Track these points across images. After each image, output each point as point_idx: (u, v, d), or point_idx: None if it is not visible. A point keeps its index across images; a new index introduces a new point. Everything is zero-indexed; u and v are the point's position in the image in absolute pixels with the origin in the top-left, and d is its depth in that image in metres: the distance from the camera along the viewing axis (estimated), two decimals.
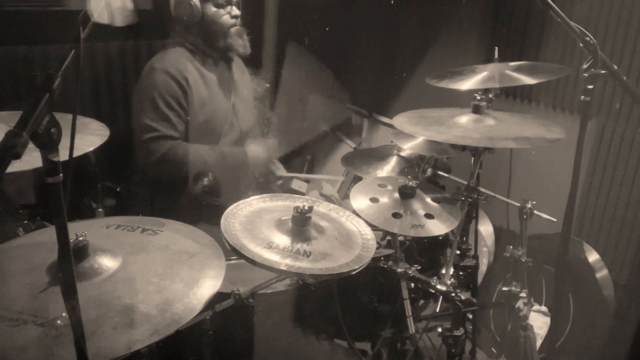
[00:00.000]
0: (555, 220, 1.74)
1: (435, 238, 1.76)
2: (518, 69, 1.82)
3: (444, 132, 1.62)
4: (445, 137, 1.60)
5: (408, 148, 2.04)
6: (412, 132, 1.67)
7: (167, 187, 2.12)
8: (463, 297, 1.49)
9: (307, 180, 2.50)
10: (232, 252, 1.20)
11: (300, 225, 1.28)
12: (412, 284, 1.60)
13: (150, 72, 2.06)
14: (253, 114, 2.33)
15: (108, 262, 1.10)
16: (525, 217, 1.75)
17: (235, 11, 2.10)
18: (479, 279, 2.13)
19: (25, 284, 1.05)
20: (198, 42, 2.12)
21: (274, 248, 1.22)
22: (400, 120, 1.73)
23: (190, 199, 2.11)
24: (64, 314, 0.94)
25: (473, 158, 1.71)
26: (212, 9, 2.07)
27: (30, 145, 0.74)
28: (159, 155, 1.99)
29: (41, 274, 1.06)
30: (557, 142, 1.56)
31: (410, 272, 1.52)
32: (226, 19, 2.08)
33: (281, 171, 2.38)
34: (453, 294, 1.49)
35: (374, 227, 1.45)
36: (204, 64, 2.14)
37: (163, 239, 1.23)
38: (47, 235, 1.26)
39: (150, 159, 2.00)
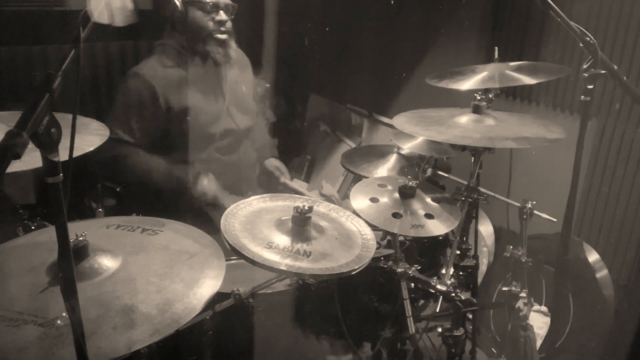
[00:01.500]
0: (555, 220, 1.74)
1: (435, 238, 1.76)
2: (518, 69, 1.82)
3: (444, 132, 1.61)
4: (445, 137, 1.60)
5: (408, 148, 2.04)
6: (412, 132, 1.67)
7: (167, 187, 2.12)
8: (463, 297, 1.49)
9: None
10: (232, 252, 1.20)
11: (300, 225, 1.29)
12: (412, 284, 1.60)
13: (128, 77, 2.06)
14: (251, 113, 2.31)
15: (108, 262, 1.10)
16: (525, 217, 1.75)
17: (222, 16, 2.05)
18: (479, 279, 2.13)
19: (25, 284, 1.05)
20: (184, 42, 2.11)
21: (274, 248, 1.22)
22: (400, 121, 1.73)
23: (191, 199, 2.11)
24: (64, 314, 0.94)
25: (473, 158, 1.71)
26: (196, 12, 2.04)
27: (30, 145, 0.74)
28: (108, 155, 1.97)
29: (41, 274, 1.06)
30: (557, 142, 1.56)
31: (410, 272, 1.52)
32: (209, 24, 2.05)
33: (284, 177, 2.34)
34: (453, 294, 1.49)
35: (374, 227, 1.45)
36: (193, 66, 2.11)
37: (163, 239, 1.23)
38: (47, 235, 1.26)
39: (100, 156, 1.98)
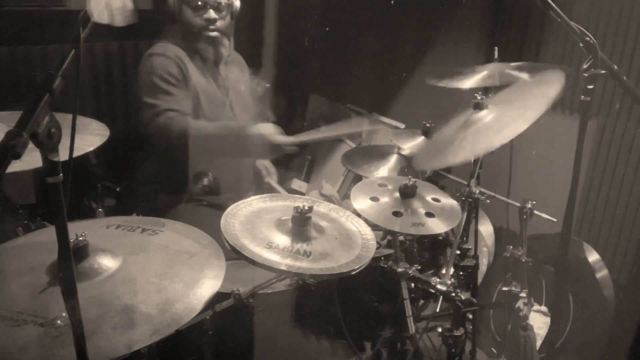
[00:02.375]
0: (555, 220, 1.74)
1: (435, 238, 1.76)
2: (518, 69, 1.82)
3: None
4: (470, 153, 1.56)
5: (408, 148, 2.04)
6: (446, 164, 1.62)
7: (167, 187, 2.12)
8: (463, 297, 1.49)
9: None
10: (232, 252, 1.20)
11: (300, 225, 1.28)
12: (412, 284, 1.60)
13: (147, 57, 2.07)
14: (251, 112, 2.33)
15: (108, 262, 1.10)
16: (525, 217, 1.75)
17: (211, 15, 2.06)
18: (479, 279, 2.13)
19: (25, 283, 1.05)
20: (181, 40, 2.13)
21: (274, 248, 1.22)
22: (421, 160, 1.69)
23: (191, 199, 2.11)
24: (64, 314, 0.94)
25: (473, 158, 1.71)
26: (187, 10, 2.06)
27: (30, 145, 0.74)
28: (165, 127, 1.93)
29: (41, 274, 1.06)
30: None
31: (410, 272, 1.52)
32: (197, 21, 2.06)
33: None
34: (453, 294, 1.49)
35: (374, 227, 1.45)
36: (201, 61, 2.14)
37: (163, 239, 1.23)
38: (47, 235, 1.26)
39: (164, 134, 1.94)
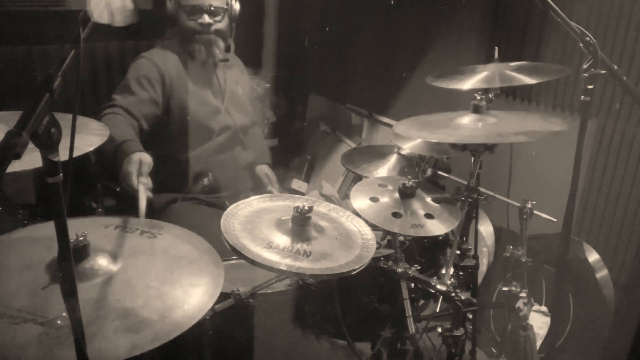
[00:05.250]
0: (555, 220, 1.74)
1: (435, 238, 1.76)
2: (518, 69, 1.81)
3: (452, 133, 1.60)
4: (455, 139, 1.59)
5: (408, 148, 2.04)
6: (420, 137, 1.64)
7: (166, 186, 2.12)
8: (463, 297, 1.49)
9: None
10: (232, 252, 1.20)
11: (300, 225, 1.29)
12: (412, 284, 1.60)
13: (136, 59, 2.11)
14: (249, 113, 2.33)
15: (108, 264, 1.10)
16: (525, 217, 1.75)
17: (205, 20, 2.08)
18: (479, 279, 2.13)
19: (24, 281, 1.05)
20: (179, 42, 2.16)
21: (274, 248, 1.22)
22: (402, 127, 1.68)
23: (188, 197, 2.11)
24: (64, 314, 0.94)
25: (473, 158, 1.71)
26: (183, 14, 2.09)
27: (30, 145, 0.74)
28: (106, 121, 1.85)
29: (40, 272, 1.06)
30: (561, 136, 1.50)
31: (410, 272, 1.52)
32: (192, 25, 2.09)
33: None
34: (453, 294, 1.49)
35: (374, 227, 1.45)
36: (196, 63, 2.15)
37: (161, 242, 1.23)
38: (45, 231, 1.26)
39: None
